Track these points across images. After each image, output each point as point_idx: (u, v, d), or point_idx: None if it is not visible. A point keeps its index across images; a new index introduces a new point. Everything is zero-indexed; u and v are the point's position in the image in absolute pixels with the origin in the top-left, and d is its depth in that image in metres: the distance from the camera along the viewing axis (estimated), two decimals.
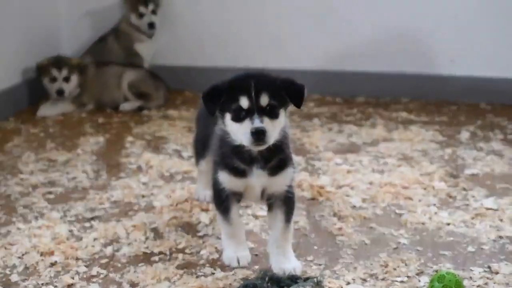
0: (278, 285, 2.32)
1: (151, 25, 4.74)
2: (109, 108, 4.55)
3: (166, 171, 3.44)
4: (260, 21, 4.78)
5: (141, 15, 4.74)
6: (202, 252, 2.63)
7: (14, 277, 2.49)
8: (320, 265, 2.53)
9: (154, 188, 3.25)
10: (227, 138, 2.36)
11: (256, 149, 2.32)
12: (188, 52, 4.92)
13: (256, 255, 2.59)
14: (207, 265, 2.54)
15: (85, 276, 2.49)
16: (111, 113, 4.48)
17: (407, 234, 2.76)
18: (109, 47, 4.80)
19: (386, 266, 2.50)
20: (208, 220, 2.88)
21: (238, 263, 2.51)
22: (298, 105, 2.33)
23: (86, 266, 2.55)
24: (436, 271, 2.45)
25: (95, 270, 2.52)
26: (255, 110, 2.26)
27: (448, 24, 4.52)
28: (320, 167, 3.45)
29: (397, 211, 2.97)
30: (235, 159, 2.38)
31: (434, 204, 3.01)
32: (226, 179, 2.42)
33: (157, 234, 2.79)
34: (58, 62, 4.49)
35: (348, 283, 2.40)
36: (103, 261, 2.60)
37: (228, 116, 2.31)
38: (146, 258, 2.61)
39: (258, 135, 2.24)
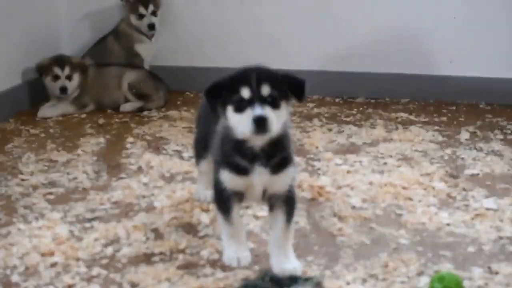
0: (279, 285, 2.32)
1: (151, 26, 4.74)
2: (110, 109, 4.55)
3: (166, 171, 3.45)
4: (260, 21, 4.78)
5: (141, 16, 4.74)
6: (203, 252, 2.63)
7: (15, 278, 2.49)
8: (320, 265, 2.53)
9: (155, 188, 3.25)
10: (229, 135, 2.36)
11: (258, 139, 2.31)
12: (188, 53, 4.93)
13: (257, 255, 2.58)
14: (208, 265, 2.54)
15: (85, 276, 2.49)
16: (112, 114, 4.48)
17: (407, 234, 2.77)
18: (109, 48, 4.80)
19: (386, 266, 2.50)
20: (209, 220, 2.88)
21: (239, 263, 2.51)
22: (299, 98, 2.35)
23: (87, 267, 2.56)
24: (436, 271, 2.45)
25: (95, 270, 2.52)
26: (256, 99, 2.27)
27: (447, 24, 4.52)
28: (320, 168, 3.45)
29: (397, 211, 2.97)
30: (237, 156, 2.38)
31: (434, 205, 3.02)
32: (228, 178, 2.42)
33: (158, 234, 2.79)
34: (60, 60, 4.50)
35: (348, 283, 2.40)
36: (104, 261, 2.60)
37: (230, 109, 2.31)
38: (147, 258, 2.61)
39: (259, 122, 2.24)
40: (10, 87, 4.43)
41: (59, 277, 2.49)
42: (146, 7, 4.73)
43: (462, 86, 4.53)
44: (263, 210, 2.86)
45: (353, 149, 3.73)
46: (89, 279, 2.48)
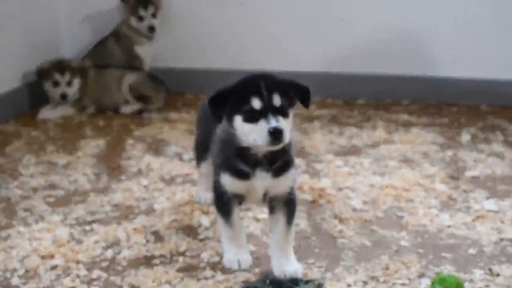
0: (279, 287, 2.32)
1: (151, 28, 4.73)
2: (110, 110, 4.55)
3: (166, 173, 3.44)
4: (260, 23, 4.78)
5: (141, 18, 4.74)
6: (203, 255, 2.63)
7: (15, 281, 2.49)
8: (321, 267, 2.53)
9: (155, 191, 3.25)
10: (231, 140, 2.36)
11: (271, 148, 2.31)
12: (188, 55, 4.92)
13: (257, 258, 2.58)
14: (208, 268, 2.54)
15: (85, 279, 2.49)
16: (112, 116, 4.48)
17: (408, 236, 2.76)
18: (110, 50, 4.80)
19: (387, 268, 2.50)
20: (209, 223, 2.87)
21: (239, 266, 2.50)
22: (306, 105, 2.36)
23: (87, 269, 2.55)
24: (437, 273, 2.45)
25: (95, 273, 2.52)
26: (269, 110, 2.26)
27: (448, 26, 4.52)
28: (321, 170, 3.45)
29: (398, 213, 2.97)
30: (239, 162, 2.38)
31: (435, 206, 3.01)
32: (228, 182, 2.41)
33: (158, 237, 2.79)
34: (60, 66, 4.48)
35: (349, 286, 2.39)
36: (104, 264, 2.60)
37: (238, 119, 2.30)
38: (147, 261, 2.61)
39: (276, 134, 2.25)
40: (11, 89, 4.43)
41: (59, 280, 2.48)
42: (146, 9, 4.72)
43: (463, 88, 4.52)
44: (263, 213, 2.86)
45: (354, 151, 3.73)
46: (89, 282, 2.47)
